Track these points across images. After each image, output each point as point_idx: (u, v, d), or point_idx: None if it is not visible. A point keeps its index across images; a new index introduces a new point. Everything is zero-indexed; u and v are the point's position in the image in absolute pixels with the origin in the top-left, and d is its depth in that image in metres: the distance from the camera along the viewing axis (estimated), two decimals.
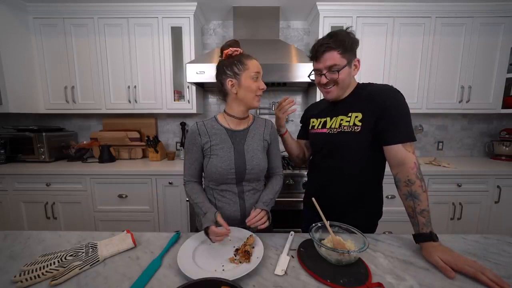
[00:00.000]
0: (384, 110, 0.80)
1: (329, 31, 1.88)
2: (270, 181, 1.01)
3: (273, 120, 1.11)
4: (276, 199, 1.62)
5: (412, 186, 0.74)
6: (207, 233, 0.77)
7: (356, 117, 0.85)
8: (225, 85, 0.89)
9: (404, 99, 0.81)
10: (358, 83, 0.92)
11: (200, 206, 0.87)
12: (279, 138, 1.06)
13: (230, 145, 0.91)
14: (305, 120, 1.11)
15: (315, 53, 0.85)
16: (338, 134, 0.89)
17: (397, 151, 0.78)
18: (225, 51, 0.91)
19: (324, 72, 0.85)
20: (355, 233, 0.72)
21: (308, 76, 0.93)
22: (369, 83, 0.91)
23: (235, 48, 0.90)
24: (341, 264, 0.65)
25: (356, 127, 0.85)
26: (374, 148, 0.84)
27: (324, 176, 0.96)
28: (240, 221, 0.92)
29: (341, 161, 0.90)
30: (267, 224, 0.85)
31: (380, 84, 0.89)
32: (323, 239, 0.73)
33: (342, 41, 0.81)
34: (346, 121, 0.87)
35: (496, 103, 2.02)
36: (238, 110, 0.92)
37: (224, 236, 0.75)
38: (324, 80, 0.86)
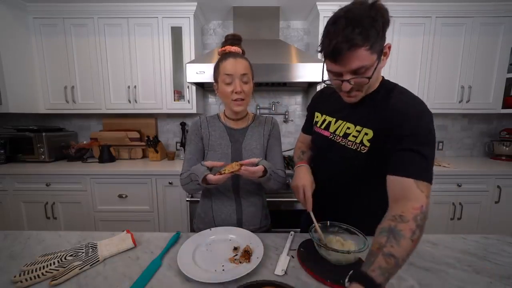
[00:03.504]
0: (402, 139, 0.62)
1: None
2: None
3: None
4: (276, 199, 1.61)
5: (399, 224, 0.53)
6: (206, 183, 0.77)
7: (366, 134, 0.70)
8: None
9: (433, 124, 0.63)
10: (383, 78, 0.73)
11: (191, 171, 0.83)
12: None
13: (228, 142, 0.92)
14: (311, 111, 0.94)
15: (333, 53, 0.61)
16: (341, 148, 0.76)
17: (406, 185, 0.58)
18: (219, 50, 0.89)
19: (348, 78, 0.63)
20: (356, 234, 0.71)
21: (323, 82, 0.73)
22: (396, 85, 0.72)
23: (223, 48, 0.88)
24: (341, 264, 0.65)
25: (363, 147, 0.70)
26: (382, 173, 0.65)
27: (324, 174, 0.84)
28: (236, 225, 0.92)
29: (341, 176, 0.80)
30: (255, 175, 0.76)
31: (409, 97, 0.68)
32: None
33: (371, 29, 0.57)
34: (353, 136, 0.73)
35: (496, 103, 2.02)
36: (228, 111, 0.93)
37: (223, 178, 0.74)
38: (347, 87, 0.65)
